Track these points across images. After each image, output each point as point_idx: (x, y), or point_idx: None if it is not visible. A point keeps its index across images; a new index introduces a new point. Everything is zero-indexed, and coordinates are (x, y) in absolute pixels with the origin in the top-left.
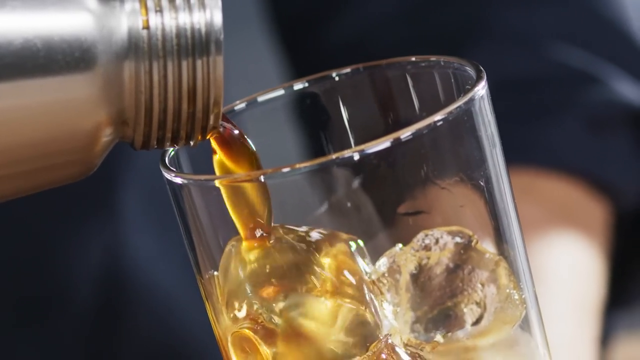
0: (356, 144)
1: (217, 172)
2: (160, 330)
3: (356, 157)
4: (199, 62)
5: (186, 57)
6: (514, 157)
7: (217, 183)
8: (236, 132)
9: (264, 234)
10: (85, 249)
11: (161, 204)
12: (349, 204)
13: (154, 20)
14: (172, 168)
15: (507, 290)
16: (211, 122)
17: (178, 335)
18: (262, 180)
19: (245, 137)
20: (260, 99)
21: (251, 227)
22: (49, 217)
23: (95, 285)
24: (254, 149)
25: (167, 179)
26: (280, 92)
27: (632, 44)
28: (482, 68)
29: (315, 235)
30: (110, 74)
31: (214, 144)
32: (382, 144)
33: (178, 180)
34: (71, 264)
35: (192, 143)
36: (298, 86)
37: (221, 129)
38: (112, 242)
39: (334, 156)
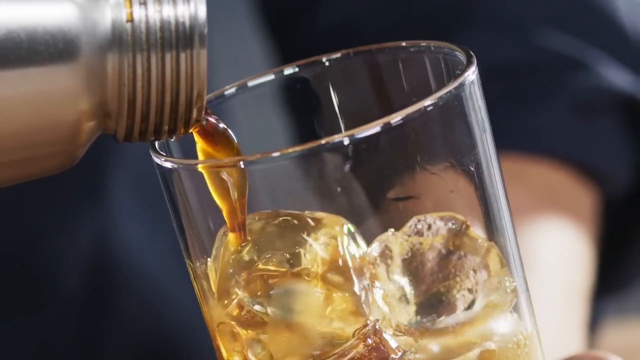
0: (346, 128)
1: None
2: (150, 315)
3: (346, 141)
4: (182, 56)
5: (170, 50)
6: (501, 143)
7: (199, 168)
8: (220, 125)
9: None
10: (74, 235)
11: (150, 189)
12: (338, 189)
13: (138, 13)
14: (161, 152)
15: (499, 277)
16: (194, 115)
17: (167, 320)
18: (245, 165)
19: (228, 130)
20: (251, 83)
21: (237, 215)
22: (37, 203)
23: (84, 271)
24: (236, 141)
25: (156, 163)
26: (271, 77)
27: (619, 30)
28: (472, 53)
29: (306, 219)
30: (93, 66)
31: (196, 137)
32: (372, 128)
33: (168, 164)
34: (60, 250)
35: (174, 136)
36: (288, 71)
37: (204, 122)
38: (101, 228)
39: (323, 141)
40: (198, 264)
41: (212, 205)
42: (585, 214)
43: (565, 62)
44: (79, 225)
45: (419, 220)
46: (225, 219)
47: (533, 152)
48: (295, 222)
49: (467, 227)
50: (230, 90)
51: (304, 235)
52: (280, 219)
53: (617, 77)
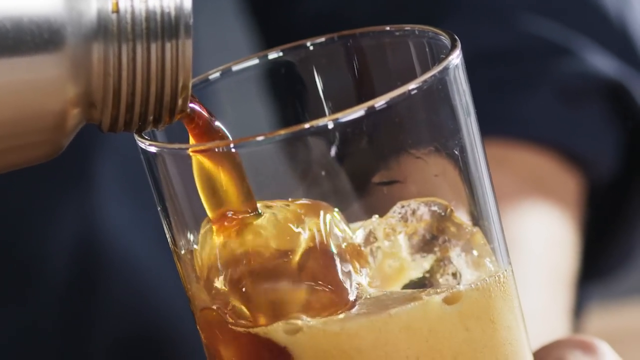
0: (331, 113)
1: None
2: (136, 300)
3: (330, 125)
4: (167, 46)
5: (155, 40)
6: (487, 128)
7: (189, 152)
8: (215, 124)
9: (240, 214)
10: (61, 220)
11: (137, 175)
12: (323, 173)
13: (124, 3)
14: (146, 136)
15: (483, 261)
16: (179, 105)
17: (154, 305)
18: (236, 151)
19: (216, 120)
20: (235, 68)
21: (223, 208)
22: (24, 189)
23: (71, 257)
24: (225, 130)
25: (141, 147)
26: (255, 61)
27: (603, 16)
28: (456, 37)
29: (289, 208)
30: (79, 56)
31: (187, 127)
32: (356, 112)
33: (152, 149)
34: (47, 236)
35: (159, 126)
36: (272, 55)
37: (189, 111)
38: (88, 214)
39: (308, 125)
40: (183, 250)
41: (197, 190)
42: (570, 199)
43: (551, 48)
44: (65, 210)
45: (402, 206)
46: (207, 208)
47: (518, 137)
48: (277, 211)
49: (451, 211)
50: (214, 75)
51: (287, 225)
52: (263, 208)
53: (602, 63)
